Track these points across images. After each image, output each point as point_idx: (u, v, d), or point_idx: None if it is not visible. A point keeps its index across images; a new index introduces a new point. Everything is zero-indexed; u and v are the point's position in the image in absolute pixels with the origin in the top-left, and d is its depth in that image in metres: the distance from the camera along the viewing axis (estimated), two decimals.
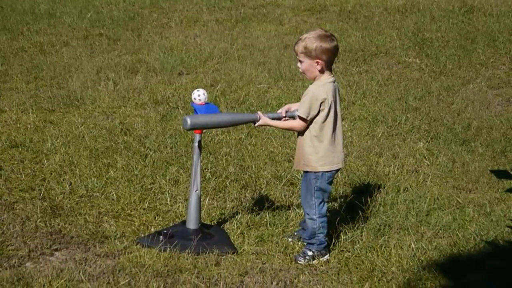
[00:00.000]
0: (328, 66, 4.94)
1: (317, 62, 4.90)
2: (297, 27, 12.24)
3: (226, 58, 10.33)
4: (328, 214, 5.27)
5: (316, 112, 4.90)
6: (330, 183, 5.10)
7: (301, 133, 5.02)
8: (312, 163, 4.99)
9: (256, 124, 5.06)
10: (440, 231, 5.52)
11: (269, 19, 12.82)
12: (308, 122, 4.93)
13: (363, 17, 12.61)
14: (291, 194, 6.11)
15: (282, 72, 9.58)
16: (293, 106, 5.15)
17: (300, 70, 5.02)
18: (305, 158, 5.02)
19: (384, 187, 6.18)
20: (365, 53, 10.55)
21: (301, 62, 4.97)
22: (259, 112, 5.08)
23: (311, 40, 4.90)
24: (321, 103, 4.88)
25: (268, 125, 5.13)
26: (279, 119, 5.11)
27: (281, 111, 5.15)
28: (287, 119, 5.10)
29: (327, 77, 4.95)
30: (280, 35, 11.82)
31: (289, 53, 10.52)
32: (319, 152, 4.97)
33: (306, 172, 5.07)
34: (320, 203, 5.06)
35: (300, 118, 4.92)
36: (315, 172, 5.00)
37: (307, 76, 5.02)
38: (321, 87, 4.92)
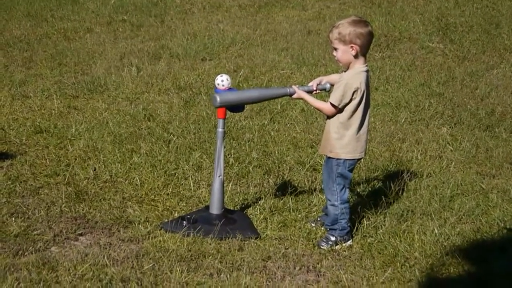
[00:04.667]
0: (362, 52, 4.90)
1: (351, 47, 4.86)
2: (320, 13, 12.21)
3: (249, 44, 10.33)
4: (350, 199, 5.26)
5: (348, 100, 4.88)
6: (351, 170, 5.10)
7: (329, 117, 5.01)
8: (336, 149, 4.99)
9: (293, 96, 5.09)
10: (463, 216, 5.50)
11: (292, 4, 12.79)
12: (338, 110, 4.92)
13: (386, 2, 12.54)
14: (314, 180, 6.11)
15: (305, 58, 9.56)
16: (324, 79, 5.17)
17: (336, 58, 4.99)
18: (330, 143, 5.02)
19: (407, 173, 6.16)
20: (388, 39, 10.50)
21: (336, 49, 4.94)
22: (293, 86, 5.09)
23: (344, 25, 4.87)
24: (354, 92, 4.86)
25: (302, 98, 5.14)
26: (310, 92, 5.14)
27: (313, 83, 5.17)
28: (318, 92, 5.16)
29: (361, 65, 4.92)
30: (303, 20, 11.79)
31: (311, 39, 10.50)
32: (344, 139, 4.96)
33: (328, 158, 5.07)
34: (342, 189, 5.06)
35: (332, 104, 4.91)
36: (337, 158, 5.00)
37: (342, 63, 4.98)
38: (356, 75, 4.89)
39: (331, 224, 5.12)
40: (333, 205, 5.08)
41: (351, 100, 4.88)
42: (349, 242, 5.11)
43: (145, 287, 4.37)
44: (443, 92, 8.43)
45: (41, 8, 12.48)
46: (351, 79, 4.88)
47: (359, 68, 4.92)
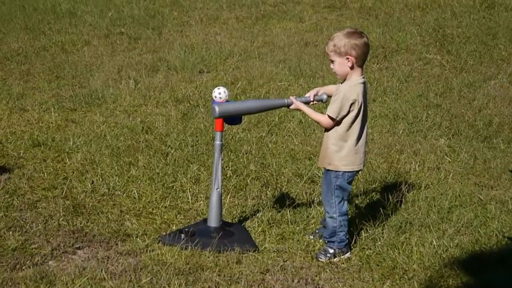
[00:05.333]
0: (358, 63, 4.91)
1: (347, 58, 4.88)
2: (317, 24, 12.23)
3: (247, 56, 10.34)
4: (348, 211, 5.26)
5: (345, 113, 4.89)
6: (350, 182, 5.10)
7: (327, 130, 5.01)
8: (335, 162, 4.99)
9: (291, 107, 5.10)
10: (462, 228, 5.50)
11: (289, 16, 12.81)
12: (336, 122, 4.92)
13: (383, 13, 12.57)
14: (312, 192, 6.10)
15: (303, 70, 9.57)
16: (321, 90, 5.18)
17: (333, 70, 5.02)
18: (328, 156, 5.02)
19: (405, 184, 6.16)
20: (386, 50, 10.52)
21: (332, 62, 4.97)
22: (291, 97, 5.10)
23: (339, 37, 4.91)
24: (351, 104, 4.87)
25: (299, 109, 5.14)
26: (307, 103, 5.15)
27: (309, 94, 5.18)
28: (315, 103, 5.20)
29: (357, 77, 4.94)
30: (300, 32, 11.82)
31: (309, 51, 10.52)
32: (342, 151, 4.96)
33: (327, 170, 5.07)
34: (340, 201, 5.06)
35: (330, 117, 4.91)
36: (336, 171, 5.00)
37: (339, 76, 4.98)
38: (353, 87, 4.91)
39: (329, 237, 5.11)
40: (331, 217, 5.08)
41: (349, 112, 4.89)
42: (348, 255, 5.11)
43: None
44: (440, 103, 8.44)
45: (38, 21, 12.49)
46: (348, 91, 4.89)
47: (356, 80, 4.93)
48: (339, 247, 5.08)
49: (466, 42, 10.74)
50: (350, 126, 4.92)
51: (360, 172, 5.31)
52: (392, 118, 7.97)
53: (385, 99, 8.56)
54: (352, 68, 4.91)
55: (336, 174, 5.00)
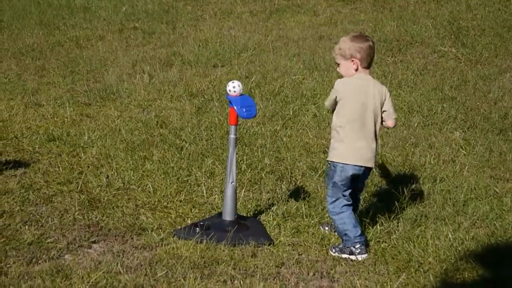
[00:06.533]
0: (363, 65, 5.01)
1: (352, 61, 4.99)
2: (332, 18, 12.20)
3: (261, 50, 10.33)
4: (363, 204, 5.24)
5: (331, 102, 5.04)
6: (346, 182, 5.02)
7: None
8: (330, 151, 5.07)
9: None
10: (477, 221, 5.49)
11: (303, 10, 12.78)
12: (329, 111, 5.00)
13: (397, 6, 12.52)
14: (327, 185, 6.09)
15: (317, 63, 9.56)
16: None
17: (339, 73, 5.13)
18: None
19: (420, 178, 6.15)
20: (400, 43, 10.48)
21: (338, 65, 5.09)
22: None
23: (344, 40, 5.06)
24: (336, 94, 4.98)
25: None
26: None
27: None
28: None
29: (358, 75, 5.01)
30: (314, 26, 11.79)
31: (323, 44, 10.50)
32: (334, 142, 5.04)
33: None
34: (335, 200, 5.02)
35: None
36: (330, 161, 5.07)
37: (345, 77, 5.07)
38: (343, 80, 5.03)
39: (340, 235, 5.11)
40: (330, 215, 5.12)
41: (336, 102, 4.98)
42: (363, 256, 5.00)
43: None
44: (455, 96, 8.40)
45: (53, 16, 12.53)
46: (337, 82, 5.04)
47: (355, 77, 5.03)
48: (353, 245, 5.01)
49: (481, 35, 10.68)
50: (340, 119, 5.00)
51: (364, 172, 5.19)
52: (407, 111, 7.95)
53: (400, 92, 8.54)
54: (357, 70, 5.02)
55: (332, 164, 5.08)
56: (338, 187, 5.02)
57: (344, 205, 5.04)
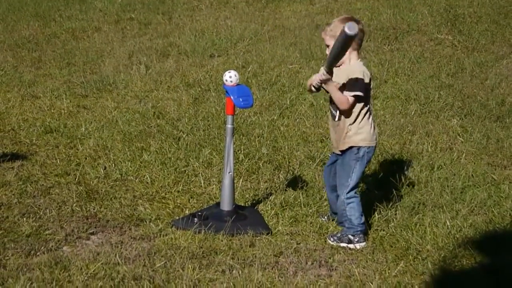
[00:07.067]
0: (354, 47, 4.95)
1: None
2: (328, 7, 12.18)
3: (257, 40, 10.32)
4: (360, 193, 5.24)
5: (362, 87, 4.92)
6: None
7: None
8: (352, 136, 5.04)
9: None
10: (475, 208, 5.49)
11: None
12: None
13: None
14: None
15: (313, 52, 9.54)
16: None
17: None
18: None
19: (418, 165, 6.15)
20: (397, 31, 10.47)
21: (328, 46, 5.03)
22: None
23: (335, 23, 5.02)
24: (368, 77, 4.96)
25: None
26: None
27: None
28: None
29: (357, 59, 5.00)
30: (310, 15, 11.77)
31: (320, 33, 10.47)
32: (357, 128, 5.00)
33: None
34: (354, 187, 5.06)
35: (355, 96, 4.91)
36: (356, 146, 5.04)
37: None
38: (361, 63, 4.99)
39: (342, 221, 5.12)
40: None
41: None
42: (363, 244, 5.03)
43: (157, 284, 4.36)
44: (452, 84, 8.40)
45: (49, 8, 12.50)
46: (363, 67, 4.97)
47: (355, 60, 5.00)
48: (346, 233, 5.03)
49: (478, 22, 10.67)
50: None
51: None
52: (404, 99, 7.95)
53: (397, 80, 8.53)
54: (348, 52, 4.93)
55: None
56: (362, 172, 5.06)
57: (357, 191, 5.11)
